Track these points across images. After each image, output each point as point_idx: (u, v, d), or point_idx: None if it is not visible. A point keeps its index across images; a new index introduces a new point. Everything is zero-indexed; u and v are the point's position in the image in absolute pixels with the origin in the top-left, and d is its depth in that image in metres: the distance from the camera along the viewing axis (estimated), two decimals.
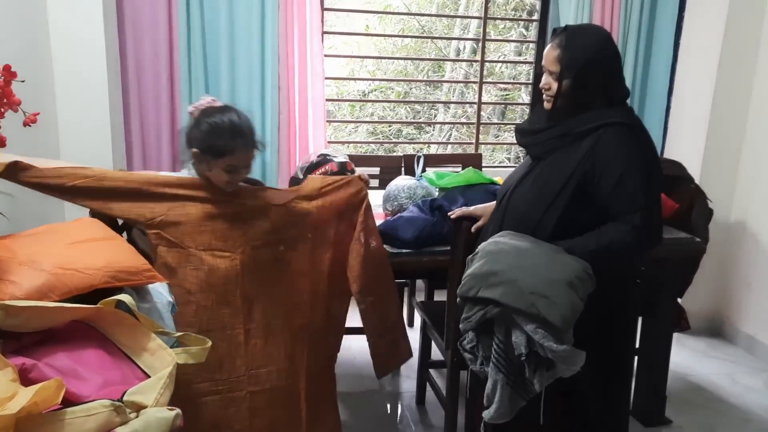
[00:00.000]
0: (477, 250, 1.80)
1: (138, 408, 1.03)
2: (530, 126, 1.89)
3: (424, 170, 2.83)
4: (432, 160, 3.29)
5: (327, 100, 3.52)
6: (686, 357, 3.28)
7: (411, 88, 6.27)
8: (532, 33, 4.21)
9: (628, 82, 3.63)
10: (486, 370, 1.74)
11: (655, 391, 2.65)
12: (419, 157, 2.76)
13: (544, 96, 1.80)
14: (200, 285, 1.74)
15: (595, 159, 1.70)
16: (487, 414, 1.71)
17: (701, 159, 3.35)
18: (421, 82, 6.26)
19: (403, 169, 3.25)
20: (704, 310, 3.50)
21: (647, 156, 1.72)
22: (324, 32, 3.39)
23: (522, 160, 2.02)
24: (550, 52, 1.75)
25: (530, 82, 4.05)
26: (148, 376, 1.13)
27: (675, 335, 2.68)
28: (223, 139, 1.72)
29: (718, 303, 3.54)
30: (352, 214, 1.97)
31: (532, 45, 4.19)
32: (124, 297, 1.16)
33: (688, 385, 3.01)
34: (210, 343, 1.23)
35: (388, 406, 2.82)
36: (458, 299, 1.80)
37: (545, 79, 1.78)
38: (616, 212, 1.68)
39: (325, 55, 3.39)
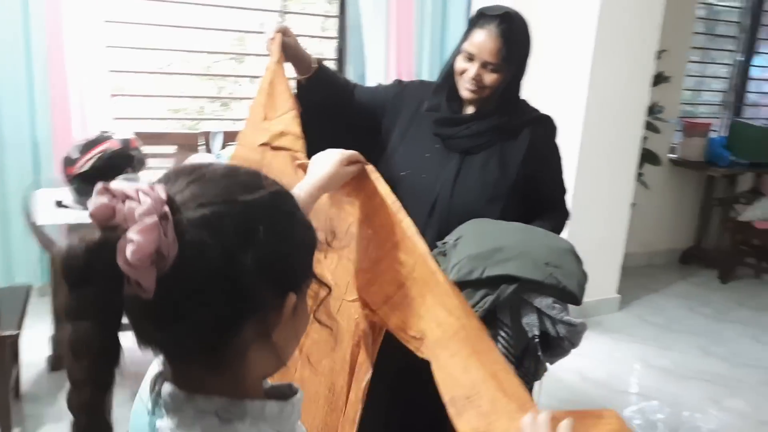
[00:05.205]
0: (455, 234, 1.59)
1: None
2: (448, 115, 1.75)
3: (224, 148, 2.65)
4: (233, 137, 3.09)
5: (112, 71, 3.16)
6: None
7: (213, 62, 5.92)
8: (334, 7, 4.14)
9: (425, 60, 3.75)
10: None
11: None
12: (216, 134, 2.57)
13: (468, 86, 1.67)
14: None
15: (536, 157, 1.74)
16: None
17: None
18: (225, 55, 5.94)
19: (202, 147, 3.03)
20: None
21: None
22: None
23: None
24: (489, 42, 1.62)
25: (336, 58, 4.00)
26: None
27: None
28: None
29: None
30: None
31: (335, 20, 4.14)
32: None
33: None
34: None
35: None
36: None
37: (475, 69, 1.64)
38: (555, 201, 1.84)
39: (107, 22, 3.04)
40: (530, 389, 1.56)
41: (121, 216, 0.57)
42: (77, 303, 0.58)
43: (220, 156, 2.51)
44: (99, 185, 0.58)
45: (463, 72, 1.68)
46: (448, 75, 1.74)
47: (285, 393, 0.71)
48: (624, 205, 3.63)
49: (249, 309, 0.62)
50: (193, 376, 0.65)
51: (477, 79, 1.66)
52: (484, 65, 1.65)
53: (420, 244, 1.24)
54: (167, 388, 0.65)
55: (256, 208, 0.62)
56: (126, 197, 0.57)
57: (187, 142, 3.04)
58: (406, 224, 1.24)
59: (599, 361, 3.15)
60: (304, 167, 1.33)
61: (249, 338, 0.63)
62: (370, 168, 1.29)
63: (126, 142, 2.20)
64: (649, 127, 3.84)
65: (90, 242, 0.57)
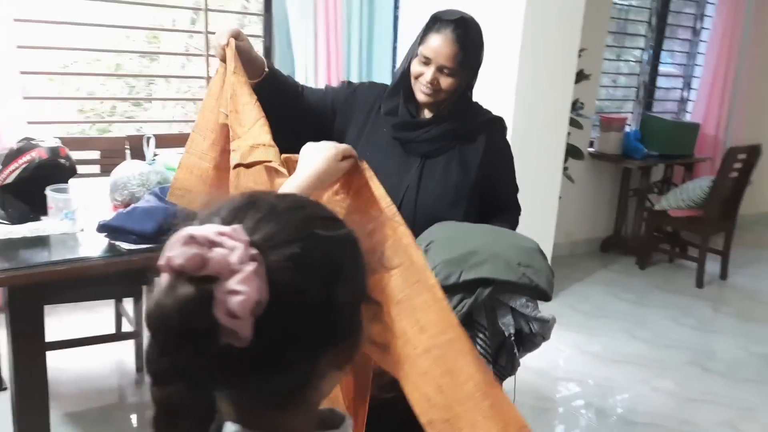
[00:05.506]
0: (425, 239, 1.58)
1: None
2: (407, 119, 1.74)
3: (155, 153, 2.51)
4: (163, 141, 2.95)
5: (23, 73, 2.94)
6: None
7: (124, 60, 5.63)
8: (254, 5, 4.04)
9: (353, 58, 3.73)
10: None
11: None
12: (149, 138, 2.44)
13: (424, 89, 1.67)
14: None
15: (493, 158, 1.79)
16: None
17: None
18: (136, 54, 5.66)
19: (128, 152, 2.87)
20: None
21: None
22: None
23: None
24: (445, 46, 1.63)
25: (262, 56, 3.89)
26: None
27: None
28: None
29: None
30: None
31: (256, 18, 4.05)
32: None
33: None
34: None
35: (133, 419, 2.53)
36: None
37: (431, 73, 1.65)
38: (510, 200, 1.91)
39: (16, 20, 2.82)
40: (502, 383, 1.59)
41: (215, 265, 0.51)
42: (172, 366, 0.53)
43: (155, 161, 2.38)
44: (184, 234, 0.52)
45: (419, 76, 1.69)
46: (403, 78, 1.73)
47: (329, 418, 0.67)
48: (553, 198, 3.75)
49: (337, 342, 0.60)
50: (262, 415, 0.60)
51: (433, 83, 1.67)
52: (440, 69, 1.66)
53: (417, 255, 1.19)
54: (231, 428, 0.60)
55: (338, 243, 0.60)
56: (211, 243, 0.51)
57: (113, 147, 2.88)
58: (402, 232, 1.20)
59: (538, 351, 3.23)
60: (292, 162, 1.27)
61: (325, 369, 0.61)
62: (365, 165, 1.25)
63: (54, 151, 2.03)
64: (573, 123, 3.99)
65: (184, 298, 0.52)
